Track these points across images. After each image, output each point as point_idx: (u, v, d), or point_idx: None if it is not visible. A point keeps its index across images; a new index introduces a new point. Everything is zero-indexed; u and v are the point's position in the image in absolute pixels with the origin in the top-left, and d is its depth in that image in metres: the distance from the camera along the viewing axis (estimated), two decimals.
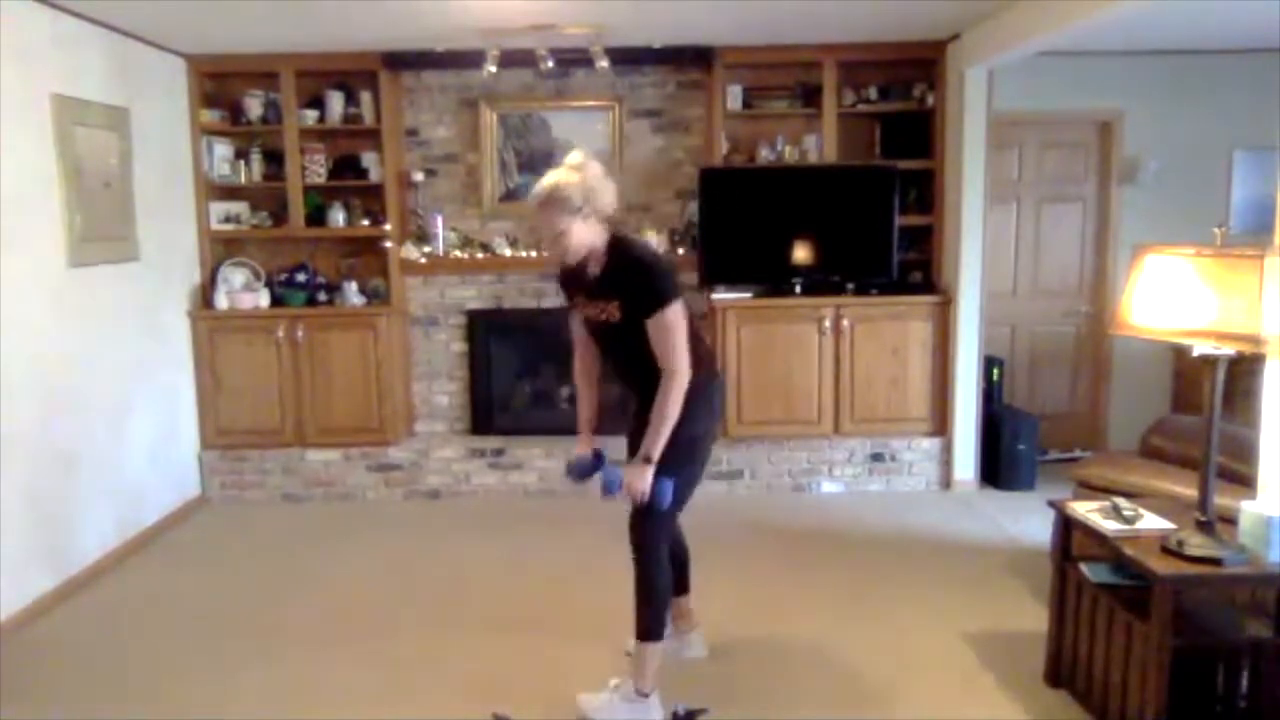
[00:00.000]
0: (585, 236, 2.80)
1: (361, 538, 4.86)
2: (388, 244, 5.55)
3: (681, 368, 2.77)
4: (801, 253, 5.43)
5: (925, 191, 5.57)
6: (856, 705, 3.09)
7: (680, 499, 2.97)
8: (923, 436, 5.47)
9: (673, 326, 2.77)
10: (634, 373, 2.93)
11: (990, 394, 5.59)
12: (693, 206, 5.55)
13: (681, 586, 3.36)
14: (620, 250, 2.87)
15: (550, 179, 2.79)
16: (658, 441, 2.79)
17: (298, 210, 5.48)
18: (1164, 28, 5.02)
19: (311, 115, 5.47)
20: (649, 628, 2.97)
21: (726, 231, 5.37)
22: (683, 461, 2.91)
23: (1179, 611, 2.60)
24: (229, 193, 5.58)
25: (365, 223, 5.56)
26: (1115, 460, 4.18)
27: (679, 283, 2.85)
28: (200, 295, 5.50)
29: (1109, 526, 2.84)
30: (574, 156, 2.85)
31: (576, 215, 2.76)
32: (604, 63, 4.97)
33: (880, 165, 5.44)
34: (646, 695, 2.96)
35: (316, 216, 5.54)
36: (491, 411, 5.79)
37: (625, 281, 2.83)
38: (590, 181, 2.78)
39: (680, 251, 5.58)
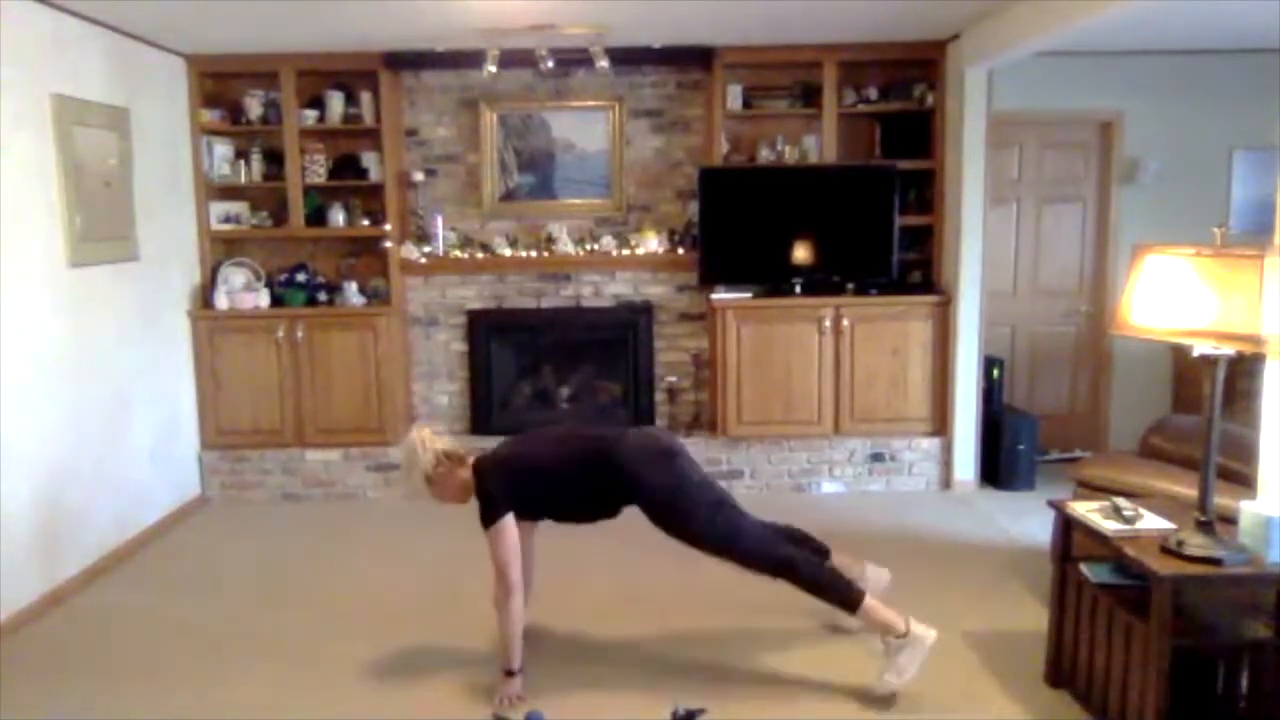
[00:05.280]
0: (451, 485, 3.24)
1: (361, 538, 4.86)
2: (388, 244, 5.55)
3: (507, 578, 3.12)
4: (801, 253, 5.43)
5: (925, 191, 5.57)
6: (856, 705, 3.09)
7: (720, 502, 3.21)
8: (923, 436, 5.47)
9: (493, 543, 3.14)
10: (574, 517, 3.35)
11: (990, 394, 5.58)
12: (693, 206, 5.56)
13: (815, 552, 3.50)
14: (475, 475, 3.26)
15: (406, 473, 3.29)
16: (507, 649, 3.17)
17: (298, 210, 5.48)
18: (1164, 28, 5.02)
19: (311, 115, 5.47)
20: (844, 601, 3.12)
21: (726, 231, 5.37)
22: (690, 496, 3.16)
23: (1179, 611, 2.60)
24: (229, 193, 5.58)
25: (365, 223, 5.56)
26: (1115, 460, 4.18)
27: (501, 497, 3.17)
28: (200, 295, 5.50)
29: (1109, 526, 2.84)
30: (405, 451, 3.27)
31: (433, 482, 3.23)
32: (604, 63, 4.97)
33: (880, 165, 5.44)
34: (905, 632, 3.07)
35: (316, 216, 5.54)
36: (491, 411, 5.79)
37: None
38: (417, 459, 3.21)
39: (680, 251, 5.58)
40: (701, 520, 3.16)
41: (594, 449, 3.23)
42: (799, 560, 3.20)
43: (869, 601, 3.11)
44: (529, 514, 3.28)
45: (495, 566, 3.14)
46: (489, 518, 3.14)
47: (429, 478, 3.22)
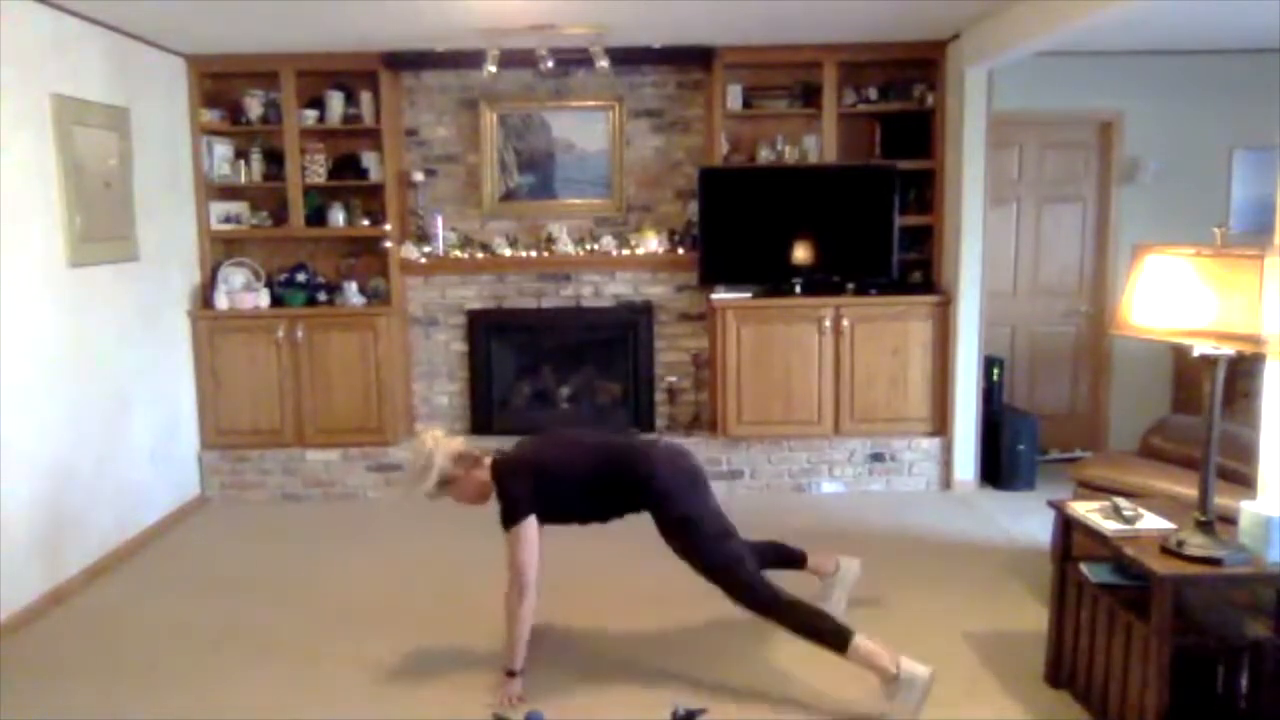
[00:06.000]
0: (469, 486, 3.21)
1: (361, 538, 4.86)
2: (388, 244, 5.55)
3: (523, 580, 3.09)
4: (801, 253, 5.43)
5: (925, 191, 5.57)
6: (857, 705, 3.09)
7: (726, 533, 3.18)
8: (923, 436, 5.47)
9: (513, 545, 3.11)
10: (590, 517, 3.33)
11: (990, 394, 5.58)
12: (693, 206, 5.56)
13: (793, 560, 3.56)
14: (495, 476, 3.23)
15: (416, 477, 3.19)
16: (511, 650, 3.14)
17: (298, 210, 5.48)
18: (1164, 28, 5.02)
19: (311, 115, 5.47)
20: (832, 643, 3.02)
21: (726, 231, 5.37)
22: (704, 521, 3.16)
23: (1179, 611, 2.60)
24: (229, 193, 5.58)
25: (365, 223, 5.56)
26: (1115, 460, 4.18)
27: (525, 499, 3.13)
28: (200, 295, 5.50)
29: (1109, 526, 2.84)
30: (417, 453, 3.20)
31: (450, 483, 3.19)
32: (604, 63, 4.97)
33: (880, 165, 5.44)
34: (896, 673, 2.95)
35: (316, 216, 5.54)
36: (491, 412, 5.79)
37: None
38: (432, 460, 3.15)
39: (680, 251, 5.58)
40: (709, 546, 3.15)
41: (624, 460, 3.22)
42: (784, 604, 3.10)
43: (858, 640, 2.98)
44: (546, 517, 3.23)
45: (513, 567, 3.11)
46: (511, 519, 3.11)
47: (446, 478, 3.18)
